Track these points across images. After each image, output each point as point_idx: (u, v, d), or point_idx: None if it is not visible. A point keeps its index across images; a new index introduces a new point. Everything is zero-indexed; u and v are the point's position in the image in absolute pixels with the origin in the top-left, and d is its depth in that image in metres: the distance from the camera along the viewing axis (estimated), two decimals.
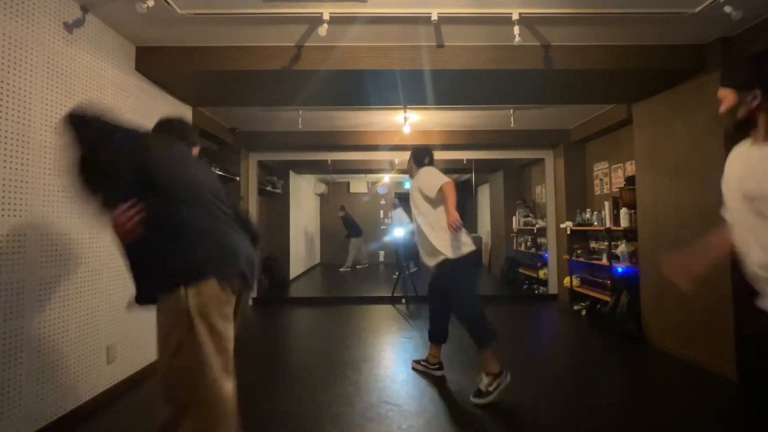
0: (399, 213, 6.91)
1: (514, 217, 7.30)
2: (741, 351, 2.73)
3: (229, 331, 1.40)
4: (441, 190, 2.66)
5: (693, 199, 3.11)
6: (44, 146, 2.12)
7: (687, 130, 3.16)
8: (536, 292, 6.15)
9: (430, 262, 2.78)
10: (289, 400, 2.51)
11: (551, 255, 5.78)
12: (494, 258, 8.37)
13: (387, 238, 9.38)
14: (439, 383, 2.80)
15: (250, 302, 5.11)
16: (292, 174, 7.53)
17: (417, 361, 3.07)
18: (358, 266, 9.38)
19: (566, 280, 5.32)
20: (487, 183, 8.96)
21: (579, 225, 5.11)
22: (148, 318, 3.03)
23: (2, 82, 1.89)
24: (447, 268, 2.69)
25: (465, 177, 8.08)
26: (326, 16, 2.45)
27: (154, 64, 2.93)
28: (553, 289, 5.79)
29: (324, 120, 4.82)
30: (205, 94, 3.62)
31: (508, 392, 2.49)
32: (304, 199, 8.78)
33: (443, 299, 2.84)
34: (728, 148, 2.98)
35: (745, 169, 1.18)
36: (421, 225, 2.79)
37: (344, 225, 9.34)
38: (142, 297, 1.40)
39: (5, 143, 1.90)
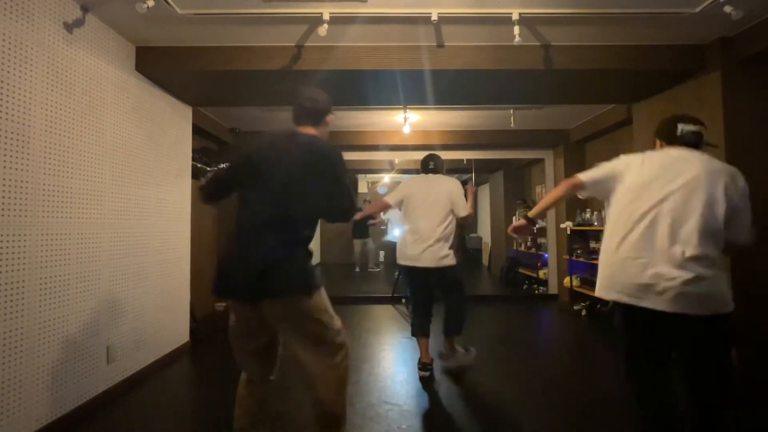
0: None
1: (514, 217, 7.30)
2: (741, 351, 2.73)
3: None
4: (467, 216, 2.90)
5: None
6: (44, 146, 2.12)
7: None
8: (536, 292, 6.15)
9: (445, 262, 2.84)
10: (289, 400, 2.51)
11: (551, 255, 5.78)
12: (494, 258, 8.37)
13: (387, 238, 9.25)
14: (438, 383, 2.80)
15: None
16: None
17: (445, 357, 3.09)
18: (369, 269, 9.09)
19: (566, 280, 5.32)
20: (487, 183, 8.96)
21: (579, 225, 5.11)
22: (147, 318, 3.03)
23: (2, 82, 1.89)
24: (454, 273, 2.91)
25: (465, 177, 8.08)
26: (326, 16, 2.45)
27: (154, 64, 2.93)
28: (553, 289, 5.79)
29: None
30: (205, 94, 3.62)
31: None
32: None
33: (426, 291, 3.00)
34: (728, 148, 2.96)
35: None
36: (439, 229, 2.85)
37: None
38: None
39: (5, 143, 1.90)
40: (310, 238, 1.62)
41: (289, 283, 1.50)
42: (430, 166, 3.05)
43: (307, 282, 1.55)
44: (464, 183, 3.10)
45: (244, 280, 1.48)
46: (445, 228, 2.85)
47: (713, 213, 1.50)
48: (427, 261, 2.81)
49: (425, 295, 2.98)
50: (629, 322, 1.61)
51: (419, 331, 2.94)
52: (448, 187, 2.91)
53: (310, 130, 1.71)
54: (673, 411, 1.57)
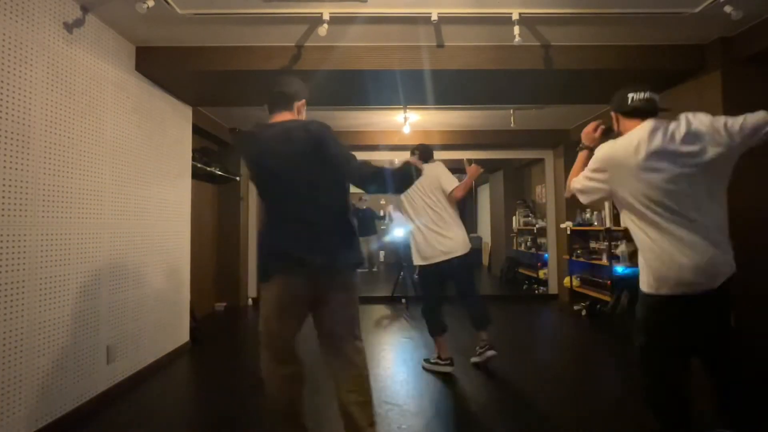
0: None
1: (514, 217, 7.30)
2: (740, 351, 2.73)
3: None
4: (453, 192, 2.92)
5: None
6: (44, 146, 2.12)
7: None
8: (536, 292, 6.16)
9: (459, 251, 2.86)
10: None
11: (551, 255, 5.78)
12: (494, 258, 8.38)
13: (387, 238, 9.22)
14: (438, 383, 2.80)
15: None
16: None
17: (427, 360, 3.07)
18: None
19: (566, 280, 5.32)
20: (487, 183, 8.97)
21: (579, 225, 5.12)
22: (147, 318, 3.03)
23: (2, 82, 1.89)
24: (470, 258, 2.92)
25: (465, 176, 8.08)
26: (326, 16, 2.45)
27: (154, 64, 2.93)
28: (553, 289, 5.79)
29: (324, 120, 4.80)
30: (205, 94, 3.62)
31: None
32: None
33: (443, 290, 3.02)
34: None
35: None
36: (445, 217, 2.90)
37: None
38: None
39: (5, 143, 1.90)
40: (345, 209, 1.69)
41: (341, 257, 1.64)
42: (430, 159, 3.07)
43: (357, 258, 1.71)
44: None
45: (297, 257, 1.58)
46: (455, 211, 2.95)
47: (715, 170, 1.50)
48: (459, 249, 2.85)
49: (440, 293, 3.01)
50: (659, 313, 1.58)
51: (439, 328, 2.97)
52: (435, 171, 2.97)
53: (285, 116, 1.74)
54: (691, 408, 1.58)
